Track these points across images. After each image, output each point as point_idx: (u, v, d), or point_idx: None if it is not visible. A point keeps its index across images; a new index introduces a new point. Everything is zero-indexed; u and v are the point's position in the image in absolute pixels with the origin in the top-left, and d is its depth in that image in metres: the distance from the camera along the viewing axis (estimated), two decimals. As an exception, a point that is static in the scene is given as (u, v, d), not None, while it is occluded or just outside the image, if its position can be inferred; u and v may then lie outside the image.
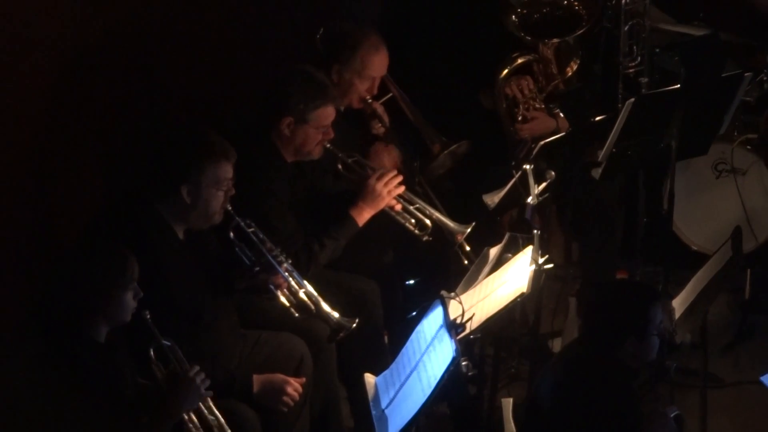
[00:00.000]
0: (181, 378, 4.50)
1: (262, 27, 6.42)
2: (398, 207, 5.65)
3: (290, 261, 5.14)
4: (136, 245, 4.56)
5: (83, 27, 5.54)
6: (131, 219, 4.84)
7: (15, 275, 5.34)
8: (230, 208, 4.98)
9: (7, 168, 5.30)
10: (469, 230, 5.70)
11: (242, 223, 5.04)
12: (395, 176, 5.60)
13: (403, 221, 5.68)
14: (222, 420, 4.58)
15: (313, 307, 5.15)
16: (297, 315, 5.16)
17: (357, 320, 5.17)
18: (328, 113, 5.46)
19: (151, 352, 4.55)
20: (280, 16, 6.48)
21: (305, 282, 5.16)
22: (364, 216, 5.55)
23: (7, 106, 5.26)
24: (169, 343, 4.56)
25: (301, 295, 5.15)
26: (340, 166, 5.68)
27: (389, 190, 5.57)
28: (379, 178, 5.56)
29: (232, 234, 5.05)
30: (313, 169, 5.68)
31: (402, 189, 5.63)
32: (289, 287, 5.14)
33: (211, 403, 4.58)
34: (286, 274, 5.11)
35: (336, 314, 5.15)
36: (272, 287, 5.13)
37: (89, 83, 5.61)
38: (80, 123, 5.60)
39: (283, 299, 5.16)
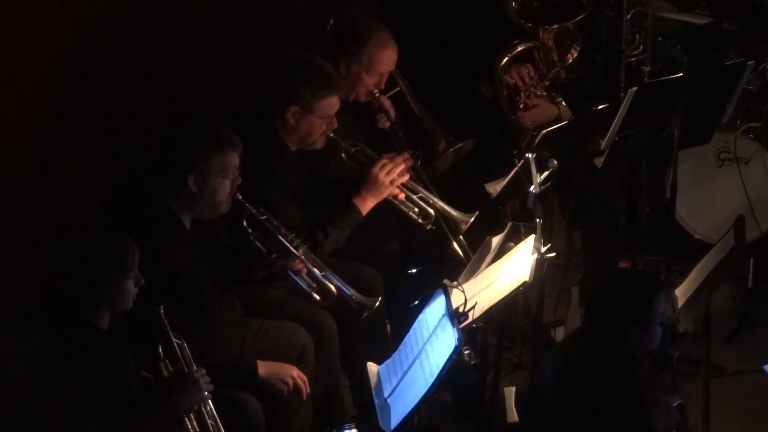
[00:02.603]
0: (186, 377, 4.51)
1: (268, 16, 6.41)
2: (401, 196, 5.65)
3: (306, 246, 5.12)
4: (142, 233, 4.58)
5: (87, 16, 5.54)
6: (138, 207, 4.85)
7: (20, 264, 5.35)
8: (240, 197, 4.99)
9: (12, 158, 5.31)
10: (472, 219, 5.70)
11: (254, 211, 5.05)
12: (398, 165, 5.60)
13: (406, 210, 5.68)
14: (220, 426, 4.58)
15: (334, 288, 5.14)
16: (318, 299, 5.14)
17: (379, 299, 5.17)
18: (333, 103, 5.45)
19: (159, 348, 4.56)
20: (286, 5, 6.46)
21: (324, 264, 5.15)
22: (367, 205, 5.55)
23: (13, 96, 5.26)
24: (179, 341, 4.57)
25: (321, 278, 5.14)
26: (343, 155, 5.67)
27: (392, 180, 5.57)
28: (381, 168, 5.56)
29: (245, 223, 5.05)
30: (316, 159, 5.67)
31: (405, 178, 5.63)
32: (309, 271, 5.14)
33: (212, 406, 4.57)
34: (304, 257, 5.11)
35: (358, 294, 5.14)
36: (291, 273, 5.12)
37: (94, 73, 5.61)
38: (84, 113, 5.61)
39: (303, 284, 5.13)
